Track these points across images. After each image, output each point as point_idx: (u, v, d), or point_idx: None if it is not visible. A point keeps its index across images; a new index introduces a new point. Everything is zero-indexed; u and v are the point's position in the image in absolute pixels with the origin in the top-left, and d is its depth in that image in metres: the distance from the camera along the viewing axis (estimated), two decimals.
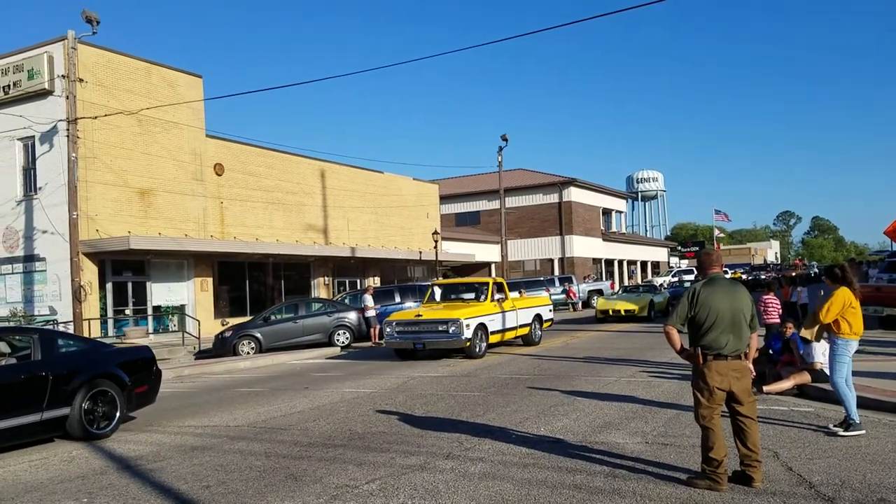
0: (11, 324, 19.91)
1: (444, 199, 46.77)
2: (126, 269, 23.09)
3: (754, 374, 6.76)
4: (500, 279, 17.96)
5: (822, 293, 7.33)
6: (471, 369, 13.30)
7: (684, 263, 65.02)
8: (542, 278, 37.73)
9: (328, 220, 31.53)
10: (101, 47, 21.85)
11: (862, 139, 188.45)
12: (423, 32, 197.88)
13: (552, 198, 50.44)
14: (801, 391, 9.18)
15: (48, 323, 20.38)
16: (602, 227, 55.17)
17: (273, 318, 20.74)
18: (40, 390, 7.88)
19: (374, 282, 33.56)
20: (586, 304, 35.70)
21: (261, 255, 27.14)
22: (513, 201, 49.41)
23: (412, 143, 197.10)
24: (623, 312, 24.47)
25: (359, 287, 31.57)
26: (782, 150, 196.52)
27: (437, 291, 17.41)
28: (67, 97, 19.25)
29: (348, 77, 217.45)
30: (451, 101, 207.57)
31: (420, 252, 35.98)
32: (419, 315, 15.48)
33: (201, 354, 20.56)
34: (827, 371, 7.58)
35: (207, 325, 23.91)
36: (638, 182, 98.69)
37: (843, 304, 6.89)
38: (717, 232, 75.56)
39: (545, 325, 18.58)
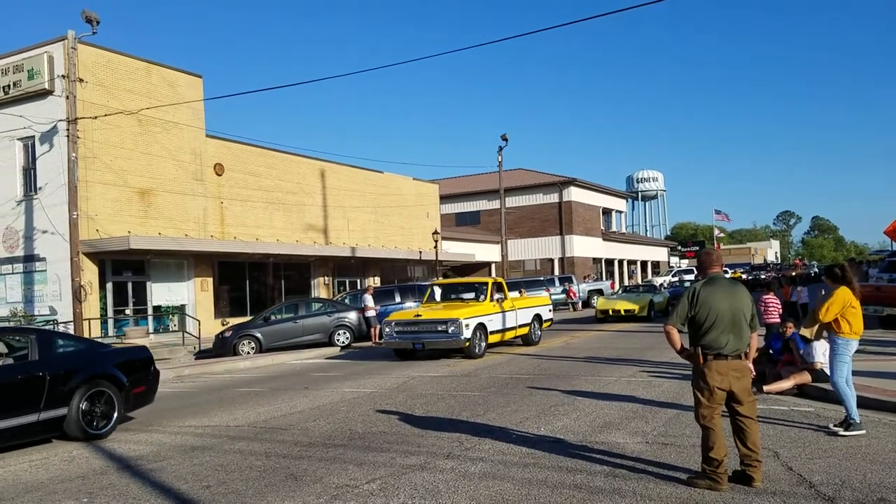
0: (11, 324, 19.92)
1: (444, 198, 46.77)
2: (126, 269, 23.09)
3: (754, 373, 6.77)
4: (499, 279, 17.96)
5: (823, 292, 7.33)
6: (471, 369, 13.30)
7: (684, 263, 65.01)
8: (542, 278, 37.72)
9: (328, 219, 31.54)
10: (101, 47, 21.85)
11: (862, 139, 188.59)
12: (423, 32, 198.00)
13: (552, 198, 50.44)
14: (801, 391, 9.18)
15: (48, 323, 20.38)
16: (602, 227, 55.16)
17: (273, 318, 20.75)
18: (37, 391, 7.87)
19: (375, 282, 33.56)
20: (586, 303, 35.71)
21: (261, 255, 27.14)
22: (513, 201, 49.41)
23: (412, 143, 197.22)
24: (623, 312, 24.48)
25: (359, 287, 31.58)
26: (782, 150, 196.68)
27: (437, 291, 17.41)
28: (67, 97, 19.25)
29: (348, 77, 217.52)
30: (451, 101, 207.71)
31: (420, 252, 35.98)
32: (418, 315, 15.47)
33: (201, 354, 20.56)
34: (827, 371, 7.58)
35: (207, 325, 23.91)
36: (638, 182, 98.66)
37: (843, 304, 6.89)
38: (717, 232, 75.55)
39: (545, 324, 18.58)
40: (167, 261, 24.14)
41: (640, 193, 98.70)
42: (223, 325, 23.63)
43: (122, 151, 22.25)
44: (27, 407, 7.78)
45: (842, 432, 6.77)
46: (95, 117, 20.43)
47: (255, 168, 27.87)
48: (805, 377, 9.22)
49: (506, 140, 37.37)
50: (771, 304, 12.94)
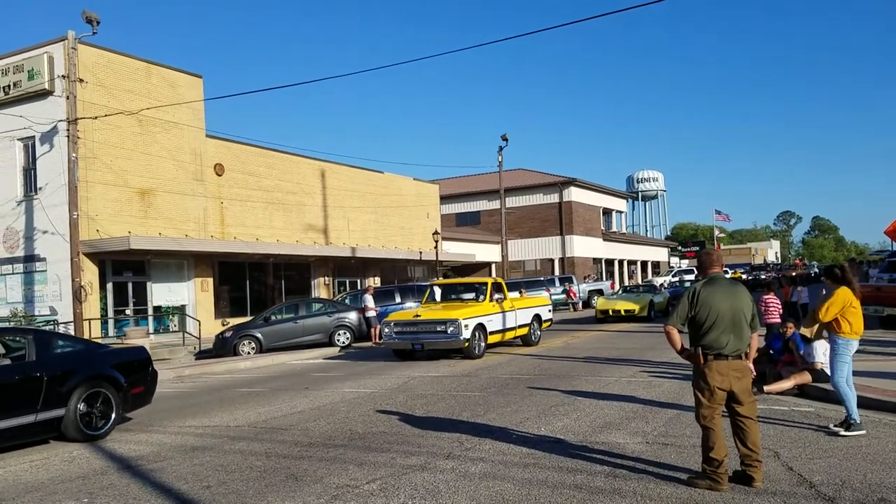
0: (11, 324, 19.92)
1: (445, 199, 46.78)
2: (126, 270, 23.10)
3: (755, 373, 6.77)
4: (498, 279, 17.95)
5: (824, 292, 7.33)
6: (471, 369, 13.30)
7: (684, 263, 65.01)
8: (542, 278, 37.73)
9: (328, 220, 31.54)
10: (102, 47, 21.85)
11: (862, 139, 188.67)
12: (423, 32, 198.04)
13: (552, 198, 50.44)
14: (801, 391, 9.18)
15: (49, 323, 20.38)
16: (602, 227, 55.16)
17: (273, 318, 20.75)
18: (35, 391, 7.86)
19: (375, 282, 33.56)
20: (586, 304, 35.70)
21: (261, 255, 27.14)
22: (513, 201, 49.41)
23: (412, 143, 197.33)
24: (623, 312, 24.47)
25: (359, 287, 31.58)
26: (782, 150, 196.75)
27: (436, 291, 17.40)
28: (68, 97, 19.25)
29: (348, 77, 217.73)
30: (452, 101, 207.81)
31: (420, 252, 35.98)
32: (417, 315, 15.45)
33: (202, 354, 20.57)
34: (827, 371, 7.58)
35: (208, 325, 23.92)
36: (638, 182, 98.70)
37: (844, 304, 6.89)
38: (717, 232, 75.55)
39: (544, 325, 18.57)
40: (167, 261, 24.15)
41: (640, 193, 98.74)
42: (223, 325, 23.64)
43: (122, 151, 22.26)
44: (25, 408, 7.76)
45: (842, 432, 6.77)
46: (96, 117, 20.43)
47: (255, 168, 27.87)
48: (805, 377, 9.22)
49: (506, 140, 37.41)
50: (771, 305, 12.93)
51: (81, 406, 8.25)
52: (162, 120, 23.41)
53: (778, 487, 5.21)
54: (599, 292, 35.75)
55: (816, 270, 53.81)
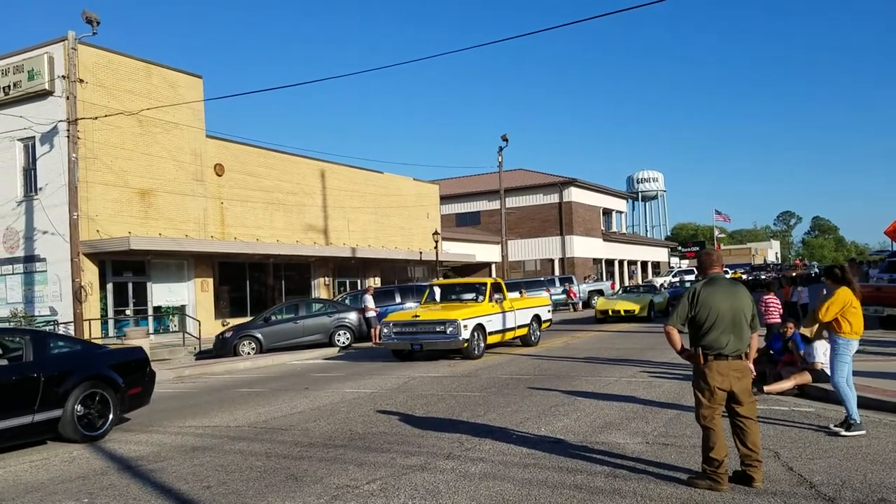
0: (12, 324, 19.93)
1: (445, 199, 46.78)
2: (126, 270, 23.10)
3: (755, 374, 6.77)
4: (498, 279, 17.95)
5: (824, 292, 7.34)
6: (471, 369, 13.30)
7: (685, 263, 65.01)
8: (542, 278, 37.73)
9: (328, 220, 31.54)
10: (102, 48, 21.86)
11: (862, 139, 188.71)
12: (423, 32, 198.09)
13: (552, 198, 50.44)
14: (801, 391, 9.18)
15: (49, 324, 20.39)
16: (602, 228, 55.16)
17: (273, 318, 20.75)
18: (32, 392, 7.84)
19: (375, 282, 33.56)
20: (587, 304, 35.70)
21: (261, 255, 27.14)
22: (513, 201, 49.41)
23: (413, 143, 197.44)
24: (623, 312, 24.47)
25: (359, 287, 31.59)
26: (782, 150, 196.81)
27: (436, 292, 17.39)
28: (68, 98, 19.25)
29: (349, 77, 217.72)
30: (452, 101, 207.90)
31: (420, 252, 35.98)
32: (417, 316, 15.43)
33: (202, 355, 20.57)
34: (828, 371, 7.58)
35: (208, 325, 23.92)
36: (638, 182, 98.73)
37: (844, 304, 6.90)
38: (717, 232, 75.55)
39: (544, 325, 18.55)
40: (167, 261, 24.15)
41: (640, 194, 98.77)
42: (223, 325, 23.64)
43: (122, 152, 22.26)
44: (22, 408, 7.74)
45: (842, 432, 6.77)
46: (96, 118, 20.44)
47: (255, 168, 27.87)
48: (805, 377, 9.22)
49: (506, 140, 37.42)
50: (771, 305, 12.93)
51: (79, 407, 8.23)
52: (162, 120, 23.42)
53: (778, 487, 5.21)
54: (599, 292, 35.75)
55: (816, 270, 53.81)
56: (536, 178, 53.18)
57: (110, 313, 22.29)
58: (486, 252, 46.21)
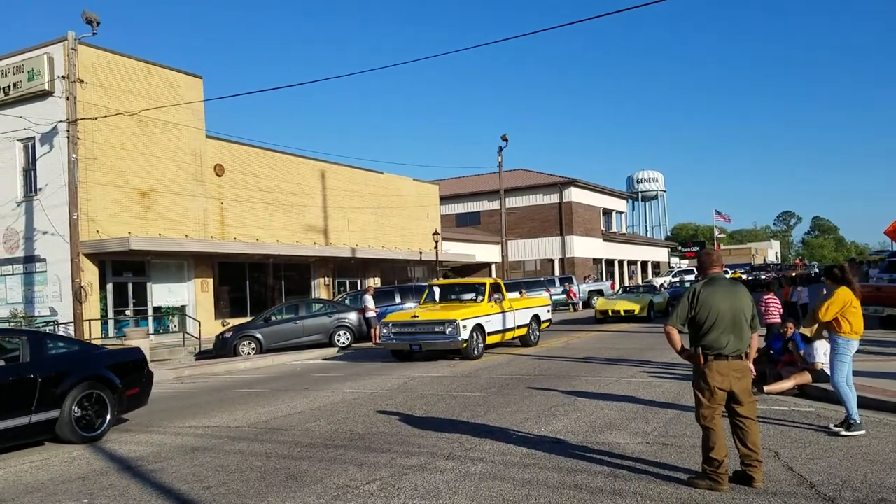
0: (11, 325, 19.92)
1: (445, 199, 46.78)
2: (126, 270, 23.10)
3: (755, 374, 6.77)
4: (497, 279, 17.94)
5: (825, 292, 7.34)
6: (471, 370, 13.30)
7: (684, 263, 65.02)
8: (542, 279, 37.73)
9: (328, 220, 31.54)
10: (102, 48, 21.86)
11: (862, 139, 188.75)
12: (423, 32, 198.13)
13: (552, 198, 50.44)
14: (801, 391, 9.18)
15: (49, 324, 20.39)
16: (602, 228, 55.16)
17: (273, 318, 20.75)
18: (29, 393, 7.83)
19: (375, 282, 33.56)
20: (587, 304, 35.70)
21: (261, 255, 27.14)
22: (513, 201, 49.42)
23: (413, 143, 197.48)
24: (622, 313, 24.47)
25: (359, 288, 31.58)
26: (782, 150, 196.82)
27: (435, 292, 17.39)
28: (67, 98, 19.26)
29: (349, 77, 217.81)
30: (452, 101, 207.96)
31: (420, 252, 35.98)
32: (415, 316, 15.41)
33: (202, 355, 20.57)
34: (828, 371, 7.58)
35: (208, 325, 23.92)
36: (638, 182, 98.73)
37: (844, 304, 6.90)
38: (717, 232, 75.55)
39: (543, 325, 18.54)
40: (167, 262, 24.15)
41: (640, 194, 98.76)
42: (223, 325, 23.65)
43: (122, 152, 22.26)
44: (19, 409, 7.73)
45: (842, 432, 6.77)
46: (95, 118, 20.44)
47: (255, 169, 27.87)
48: (805, 377, 9.23)
49: (506, 140, 37.43)
50: (771, 305, 12.93)
51: (76, 408, 8.22)
52: (162, 120, 23.42)
53: (778, 487, 5.21)
54: (599, 293, 35.75)
55: (816, 270, 53.82)
56: (536, 178, 53.18)
57: (110, 314, 22.29)
58: (486, 252, 46.21)
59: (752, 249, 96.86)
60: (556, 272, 47.22)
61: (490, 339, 15.68)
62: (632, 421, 7.88)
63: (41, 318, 21.14)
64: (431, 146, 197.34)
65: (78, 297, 19.03)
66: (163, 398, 12.01)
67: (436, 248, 34.43)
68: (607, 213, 57.10)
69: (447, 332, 14.61)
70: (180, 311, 24.44)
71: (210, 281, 25.59)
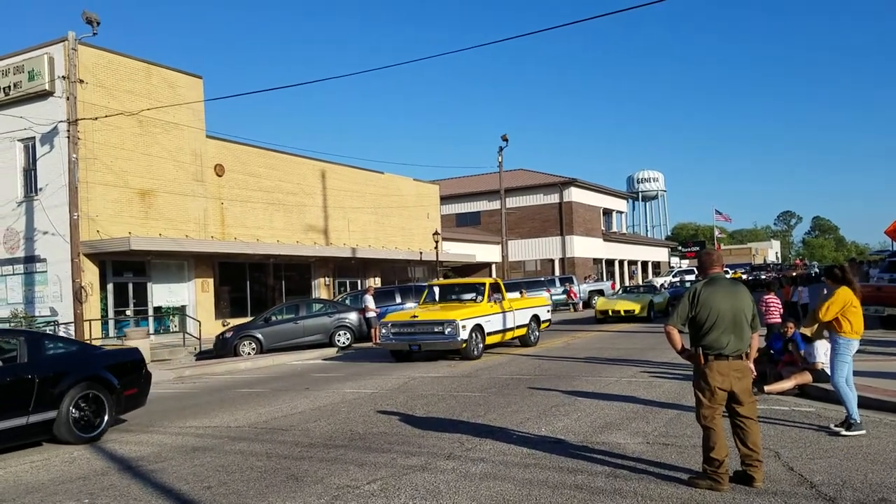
0: (12, 325, 19.92)
1: (445, 199, 46.78)
2: (127, 270, 23.10)
3: (755, 374, 6.77)
4: (497, 279, 17.93)
5: (825, 292, 7.34)
6: (471, 370, 13.30)
7: (685, 263, 64.99)
8: (542, 279, 37.73)
9: (328, 220, 31.54)
10: (102, 48, 21.86)
11: (862, 139, 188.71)
12: (423, 32, 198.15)
13: (553, 198, 50.44)
14: (802, 391, 9.18)
15: (49, 324, 20.40)
16: (602, 228, 55.16)
17: (274, 318, 20.75)
18: (26, 393, 7.81)
19: (375, 282, 33.56)
20: (587, 304, 35.68)
21: (261, 255, 27.14)
22: (513, 202, 49.41)
23: (413, 143, 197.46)
24: (623, 313, 24.47)
25: (359, 288, 31.58)
26: (782, 150, 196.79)
27: (435, 292, 17.38)
28: (68, 98, 19.26)
29: (350, 77, 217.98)
30: (452, 101, 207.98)
31: (420, 252, 35.98)
32: (415, 316, 15.40)
33: (202, 355, 20.57)
34: (828, 371, 7.58)
35: (208, 325, 23.92)
36: (638, 182, 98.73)
37: (844, 304, 6.90)
38: (717, 232, 75.53)
39: (543, 325, 18.53)
40: (168, 262, 24.15)
41: (640, 194, 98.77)
42: (224, 325, 23.65)
43: (122, 152, 22.27)
44: (16, 410, 7.71)
45: (843, 432, 6.77)
46: (96, 118, 20.44)
47: (255, 169, 27.87)
48: (806, 377, 9.22)
49: (506, 140, 37.45)
50: (772, 305, 12.93)
51: (74, 408, 8.20)
52: (162, 121, 23.42)
53: (778, 487, 5.21)
54: (600, 292, 35.75)
55: (817, 270, 53.80)
56: (536, 178, 53.18)
57: (111, 314, 22.29)
58: (487, 252, 46.20)
59: (752, 249, 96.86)
60: (557, 272, 47.21)
61: (490, 340, 15.67)
62: (632, 421, 7.88)
63: (42, 319, 21.14)
64: (431, 146, 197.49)
65: (78, 297, 19.03)
66: (163, 398, 12.01)
67: (436, 248, 34.43)
68: (607, 213, 57.10)
69: (446, 333, 14.60)
70: (181, 311, 24.44)
71: (210, 281, 25.59)
